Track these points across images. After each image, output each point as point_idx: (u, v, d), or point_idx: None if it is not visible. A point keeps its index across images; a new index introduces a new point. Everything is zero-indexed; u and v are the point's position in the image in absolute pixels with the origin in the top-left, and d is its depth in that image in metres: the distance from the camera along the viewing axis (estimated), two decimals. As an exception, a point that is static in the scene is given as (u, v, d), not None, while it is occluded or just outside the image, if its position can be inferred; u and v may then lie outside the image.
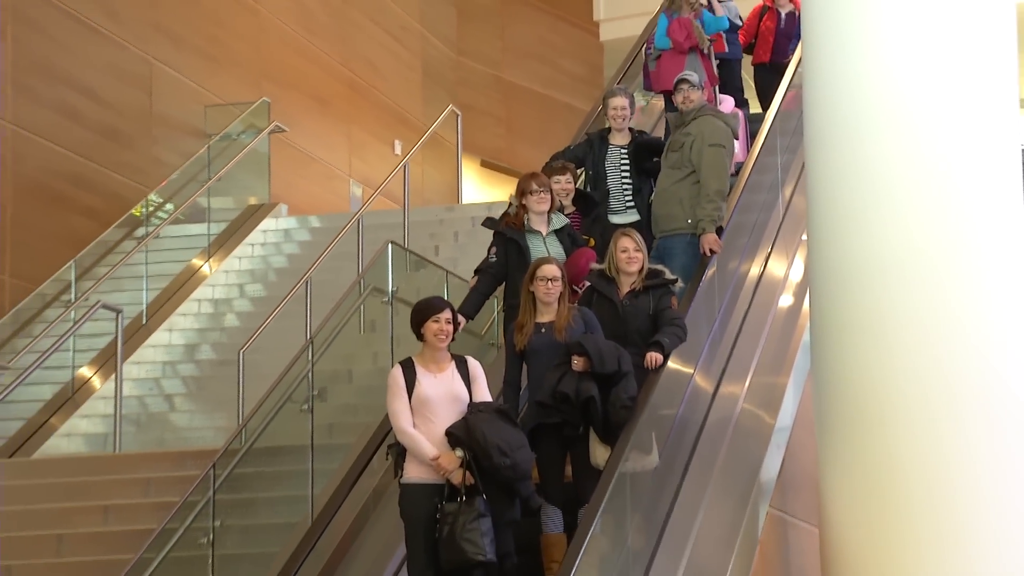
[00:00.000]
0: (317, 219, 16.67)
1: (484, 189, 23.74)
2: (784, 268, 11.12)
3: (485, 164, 24.29)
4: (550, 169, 10.02)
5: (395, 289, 11.46)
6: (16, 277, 14.16)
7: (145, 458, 11.65)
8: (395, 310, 11.34)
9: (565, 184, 9.83)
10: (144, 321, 14.34)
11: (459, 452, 7.29)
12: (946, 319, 8.56)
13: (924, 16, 8.56)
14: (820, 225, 9.21)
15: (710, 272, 9.53)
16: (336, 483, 8.85)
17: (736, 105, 13.90)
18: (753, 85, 14.93)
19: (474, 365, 7.75)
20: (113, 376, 12.83)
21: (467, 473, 7.25)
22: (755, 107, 14.92)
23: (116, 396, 12.55)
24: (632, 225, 9.88)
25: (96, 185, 15.43)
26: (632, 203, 10.34)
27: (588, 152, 10.55)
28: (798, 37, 14.27)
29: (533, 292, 8.28)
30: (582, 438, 7.92)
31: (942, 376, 8.54)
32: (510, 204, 9.71)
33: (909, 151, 8.74)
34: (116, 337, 12.90)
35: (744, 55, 14.70)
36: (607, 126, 10.68)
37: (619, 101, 10.46)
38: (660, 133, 11.90)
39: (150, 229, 15.35)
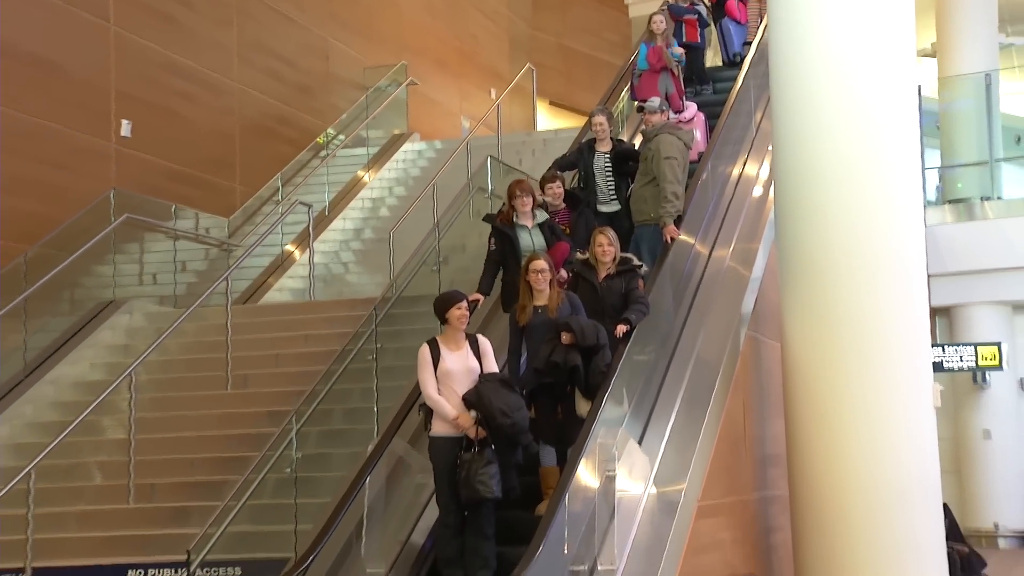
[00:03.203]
0: (439, 143, 16.68)
1: (551, 120, 23.71)
2: (756, 169, 10.98)
3: (552, 103, 24.24)
4: (544, 179, 9.26)
5: (492, 188, 11.48)
6: (244, 185, 14.32)
7: (330, 304, 11.76)
8: (492, 202, 11.36)
9: (556, 189, 9.04)
10: (327, 213, 14.49)
11: (474, 413, 6.72)
12: (865, 206, 8.64)
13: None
14: (781, 140, 9.22)
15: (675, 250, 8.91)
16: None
17: (699, 82, 13.37)
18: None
19: (484, 342, 7.07)
20: (307, 250, 12.99)
21: (479, 429, 6.70)
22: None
23: (310, 263, 12.71)
24: (613, 213, 9.40)
25: (293, 123, 15.51)
26: (615, 196, 9.56)
27: (580, 158, 9.82)
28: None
29: (528, 281, 7.54)
30: (569, 395, 7.35)
31: (860, 243, 8.61)
32: (503, 204, 8.91)
33: (840, 90, 8.76)
34: (308, 224, 13.02)
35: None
36: (593, 137, 9.91)
37: (599, 119, 9.69)
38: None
39: (329, 152, 15.47)
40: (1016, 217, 18.95)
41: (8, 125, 11.22)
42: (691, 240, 9.26)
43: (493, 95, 20.39)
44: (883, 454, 8.50)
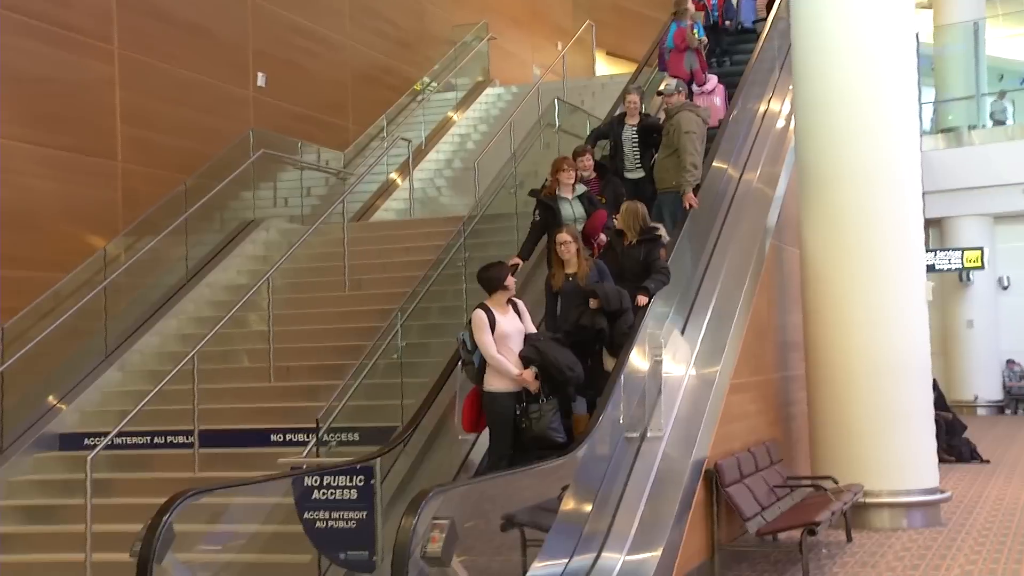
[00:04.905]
0: (515, 87, 16.39)
1: (608, 67, 23.26)
2: (779, 105, 10.63)
3: (608, 53, 23.79)
4: (576, 152, 8.44)
5: (559, 124, 11.26)
6: (355, 124, 14.23)
7: (426, 221, 11.67)
8: (560, 136, 11.15)
9: (586, 162, 8.37)
10: (423, 147, 14.32)
11: (533, 368, 6.10)
12: (868, 126, 8.58)
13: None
14: (800, 77, 9.07)
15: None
16: (527, 233, 8.55)
17: (722, 54, 12.68)
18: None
19: (521, 304, 6.44)
20: (408, 177, 12.90)
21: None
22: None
23: (410, 188, 12.64)
24: (638, 180, 8.82)
25: (395, 72, 15.32)
26: (640, 165, 8.93)
27: (611, 129, 9.20)
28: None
29: (556, 252, 6.92)
30: (597, 352, 6.70)
31: (861, 158, 8.54)
32: (546, 180, 8.07)
33: (851, 37, 8.65)
34: (408, 156, 12.92)
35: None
36: (624, 111, 9.13)
37: (633, 97, 9.07)
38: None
39: (425, 96, 15.31)
40: (997, 143, 18.72)
41: (168, 78, 11.23)
42: (724, 165, 9.02)
43: (559, 47, 19.98)
44: (884, 339, 8.45)
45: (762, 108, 10.40)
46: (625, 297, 6.69)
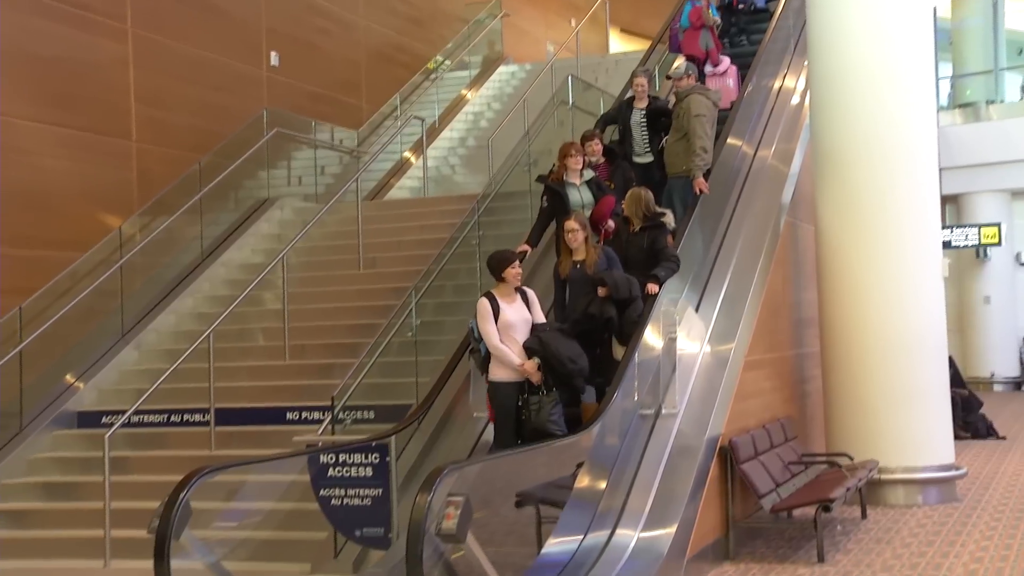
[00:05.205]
0: (528, 65, 16.31)
1: (622, 44, 23.12)
2: (794, 82, 10.53)
3: (622, 30, 23.64)
4: (584, 137, 8.16)
5: (573, 101, 11.19)
6: (369, 103, 14.21)
7: (440, 199, 11.66)
8: (574, 114, 11.08)
9: (595, 147, 8.02)
10: (437, 125, 14.27)
11: (536, 359, 5.97)
12: (883, 105, 8.50)
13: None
14: (816, 53, 8.94)
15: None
16: (538, 212, 8.50)
17: (738, 33, 12.41)
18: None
19: (531, 293, 6.30)
20: (421, 156, 12.88)
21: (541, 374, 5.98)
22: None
23: (424, 166, 12.63)
24: (647, 164, 8.60)
25: (408, 50, 15.29)
26: (648, 149, 8.67)
27: (619, 113, 8.97)
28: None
29: (564, 240, 6.76)
30: (606, 340, 6.55)
31: (877, 134, 8.48)
32: (554, 165, 7.83)
33: (866, 11, 8.58)
34: (422, 135, 12.89)
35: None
36: (632, 94, 8.90)
37: (641, 80, 8.80)
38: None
39: (438, 74, 15.26)
40: (1016, 118, 18.59)
41: (182, 58, 11.23)
42: (739, 142, 8.96)
43: (573, 24, 19.87)
44: (899, 316, 8.43)
45: (777, 85, 10.31)
46: (634, 285, 6.52)
